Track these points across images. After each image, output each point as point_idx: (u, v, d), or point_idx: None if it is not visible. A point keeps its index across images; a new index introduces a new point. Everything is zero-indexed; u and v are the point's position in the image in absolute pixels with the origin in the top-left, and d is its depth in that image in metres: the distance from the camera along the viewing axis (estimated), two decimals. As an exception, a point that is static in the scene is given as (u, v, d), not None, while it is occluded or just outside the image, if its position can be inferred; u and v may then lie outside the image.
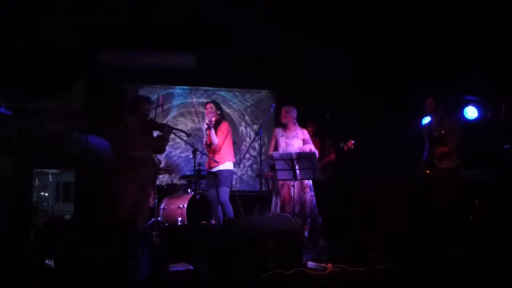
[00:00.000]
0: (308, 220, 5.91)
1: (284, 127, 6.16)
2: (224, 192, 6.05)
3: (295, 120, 6.17)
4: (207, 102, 6.37)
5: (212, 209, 6.27)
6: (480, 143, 5.97)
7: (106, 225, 4.11)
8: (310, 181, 5.99)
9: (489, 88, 6.31)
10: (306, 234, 5.79)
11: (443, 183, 5.65)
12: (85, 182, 6.72)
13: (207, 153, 6.26)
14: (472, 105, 6.10)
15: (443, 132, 5.72)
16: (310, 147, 6.06)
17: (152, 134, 5.44)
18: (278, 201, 6.01)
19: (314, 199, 5.98)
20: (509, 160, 5.33)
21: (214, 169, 6.11)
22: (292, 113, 6.14)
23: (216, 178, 6.08)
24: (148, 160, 5.36)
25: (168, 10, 6.77)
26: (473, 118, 6.11)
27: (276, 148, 6.11)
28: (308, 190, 5.96)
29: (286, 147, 6.04)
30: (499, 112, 5.70)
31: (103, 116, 6.68)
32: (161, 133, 5.40)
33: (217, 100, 6.94)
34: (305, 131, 6.22)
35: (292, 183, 5.76)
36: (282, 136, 6.13)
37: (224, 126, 6.20)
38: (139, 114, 5.27)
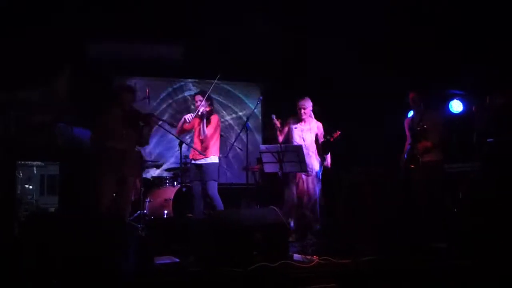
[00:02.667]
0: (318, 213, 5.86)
1: (299, 119, 6.03)
2: (212, 186, 5.95)
3: (311, 112, 6.05)
4: (195, 94, 6.22)
5: (195, 203, 6.11)
6: (465, 137, 6.02)
7: (91, 218, 4.08)
8: (319, 171, 5.96)
9: (474, 82, 6.37)
10: (292, 225, 5.79)
11: (426, 176, 5.70)
12: (70, 175, 6.66)
13: (194, 143, 6.14)
14: (457, 99, 6.15)
15: (425, 126, 5.75)
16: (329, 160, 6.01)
17: (137, 125, 5.30)
18: (294, 190, 5.90)
19: (318, 191, 5.94)
20: (493, 153, 5.38)
21: (199, 162, 6.00)
22: (309, 104, 6.00)
23: (201, 171, 5.98)
24: (130, 152, 5.23)
25: (156, 1, 6.71)
26: (458, 112, 6.16)
27: (287, 140, 6.01)
28: (317, 181, 5.93)
29: (300, 140, 5.96)
30: (484, 106, 5.75)
31: (89, 107, 6.61)
32: (144, 124, 5.28)
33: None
34: (320, 125, 6.07)
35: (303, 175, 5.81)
36: (296, 128, 6.02)
37: (215, 119, 6.09)
38: (122, 104, 5.16)
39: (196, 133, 6.12)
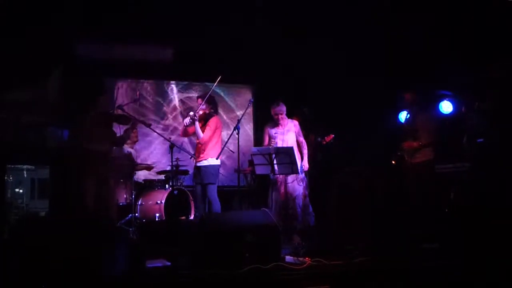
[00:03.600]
0: (299, 212, 5.89)
1: (276, 123, 6.07)
2: (211, 189, 5.97)
3: (284, 114, 6.09)
4: (198, 97, 6.24)
5: (196, 205, 6.19)
6: (455, 137, 6.05)
7: (81, 221, 4.05)
8: (303, 173, 6.00)
9: (464, 83, 6.40)
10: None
11: (416, 176, 5.74)
12: (60, 178, 6.61)
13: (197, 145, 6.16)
14: (447, 100, 6.18)
15: (416, 126, 5.81)
16: (302, 139, 6.08)
17: (111, 126, 5.36)
18: (277, 196, 5.93)
19: (307, 191, 5.98)
20: (483, 153, 5.42)
21: (199, 164, 6.04)
22: (284, 109, 6.05)
23: (201, 174, 6.01)
24: (109, 154, 5.30)
25: (146, 1, 6.68)
26: (448, 113, 6.19)
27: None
28: (301, 182, 5.96)
29: (283, 144, 5.95)
30: (474, 107, 5.79)
31: (78, 109, 6.57)
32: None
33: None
34: (296, 122, 6.14)
35: (286, 177, 5.83)
36: (276, 133, 6.04)
37: (213, 121, 6.07)
38: (97, 106, 5.19)
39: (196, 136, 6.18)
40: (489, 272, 4.06)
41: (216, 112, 6.21)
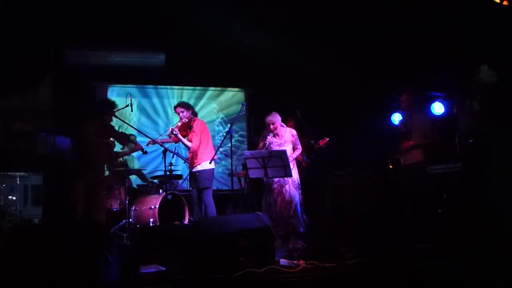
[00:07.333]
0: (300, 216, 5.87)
1: (272, 134, 5.96)
2: (207, 193, 6.01)
3: (281, 123, 6.00)
4: (175, 107, 6.23)
5: (191, 209, 6.26)
6: (447, 138, 6.09)
7: (75, 227, 4.05)
8: (298, 179, 5.96)
9: (455, 84, 6.44)
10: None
11: (408, 177, 5.77)
12: (53, 184, 6.60)
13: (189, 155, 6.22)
14: (439, 101, 6.22)
15: (411, 128, 5.85)
16: (299, 148, 6.00)
17: (109, 139, 5.59)
18: (271, 202, 5.89)
19: (298, 196, 5.95)
20: (474, 154, 5.46)
21: (193, 170, 6.09)
22: (277, 119, 5.93)
23: (196, 179, 6.05)
24: (101, 164, 5.56)
25: (138, 7, 6.69)
26: (439, 114, 6.23)
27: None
28: (298, 189, 5.93)
29: None
30: (465, 108, 5.84)
31: (71, 116, 6.56)
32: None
33: (184, 101, 6.79)
34: (295, 133, 6.02)
35: (285, 182, 5.80)
36: (272, 143, 5.94)
37: (197, 124, 6.09)
38: (106, 118, 5.28)
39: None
40: (483, 271, 4.08)
41: (195, 115, 6.22)
